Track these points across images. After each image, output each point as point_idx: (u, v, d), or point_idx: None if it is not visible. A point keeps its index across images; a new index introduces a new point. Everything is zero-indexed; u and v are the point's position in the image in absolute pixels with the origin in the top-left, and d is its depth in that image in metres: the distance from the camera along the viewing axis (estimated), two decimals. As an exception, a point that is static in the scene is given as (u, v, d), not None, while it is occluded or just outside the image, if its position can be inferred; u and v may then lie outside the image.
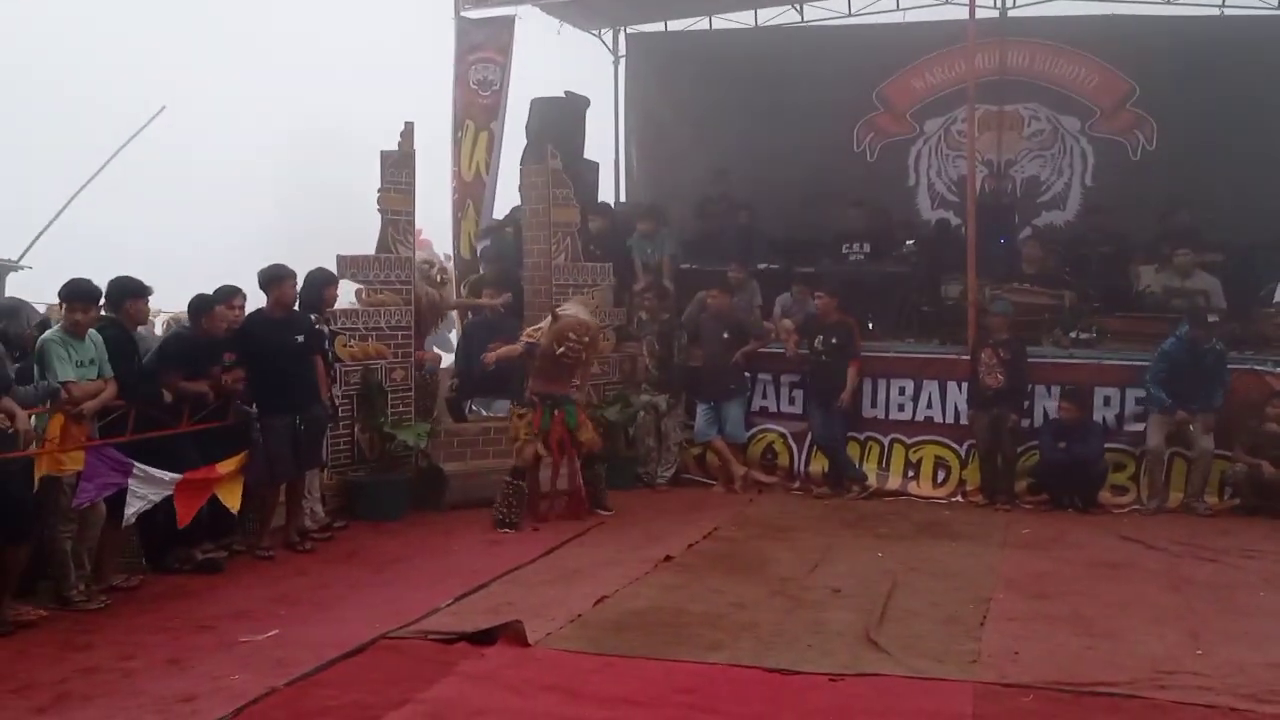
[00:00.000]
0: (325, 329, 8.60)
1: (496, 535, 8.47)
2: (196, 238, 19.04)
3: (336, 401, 8.78)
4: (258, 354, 7.76)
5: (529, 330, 9.10)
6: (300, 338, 8.07)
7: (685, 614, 6.40)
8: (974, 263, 10.04)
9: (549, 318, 8.93)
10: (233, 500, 7.51)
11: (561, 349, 8.74)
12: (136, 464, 6.78)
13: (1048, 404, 9.72)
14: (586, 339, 8.86)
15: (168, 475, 6.98)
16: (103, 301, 6.83)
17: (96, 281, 6.78)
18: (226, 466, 7.48)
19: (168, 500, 7.00)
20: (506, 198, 12.33)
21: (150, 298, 7.34)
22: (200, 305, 7.63)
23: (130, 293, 7.09)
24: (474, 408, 10.38)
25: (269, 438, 7.76)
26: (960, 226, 11.66)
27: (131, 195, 17.58)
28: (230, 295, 7.92)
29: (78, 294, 6.61)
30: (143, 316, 7.34)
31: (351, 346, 9.20)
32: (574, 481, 9.05)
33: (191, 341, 7.59)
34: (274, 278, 8.02)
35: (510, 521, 8.64)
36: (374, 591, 6.96)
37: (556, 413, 8.92)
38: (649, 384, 10.50)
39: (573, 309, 9.11)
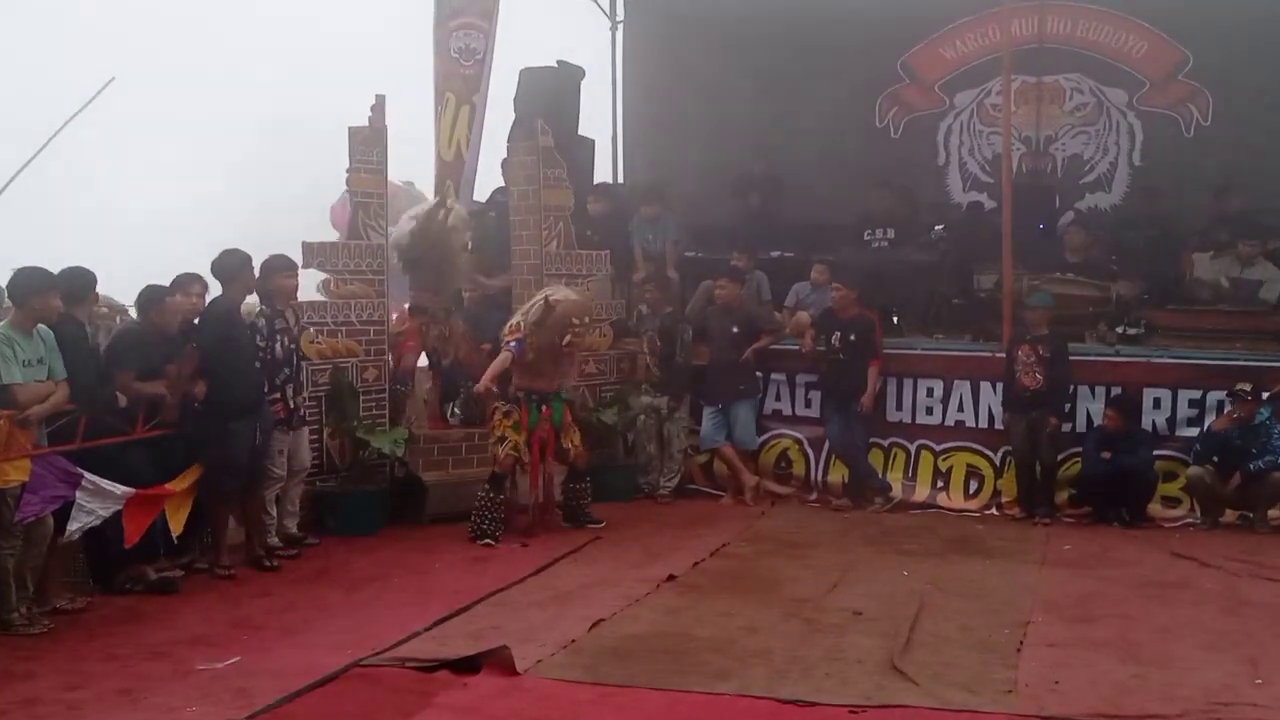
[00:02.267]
0: (290, 322, 8.56)
1: (481, 552, 8.49)
2: (150, 218, 19.10)
3: (303, 405, 8.75)
4: (230, 347, 7.74)
5: (509, 326, 9.10)
6: (257, 337, 8.08)
7: (690, 639, 6.41)
8: (1010, 250, 10.04)
9: (538, 305, 8.93)
10: (176, 521, 7.47)
11: (568, 339, 8.81)
12: (86, 475, 6.79)
13: (1091, 407, 9.73)
14: (588, 319, 8.95)
15: (119, 489, 6.98)
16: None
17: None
18: (180, 482, 7.48)
19: (116, 514, 7.00)
20: (489, 179, 12.34)
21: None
22: (150, 297, 7.61)
23: (91, 285, 7.09)
24: (456, 411, 10.39)
25: (231, 444, 7.72)
26: (995, 210, 11.63)
27: (81, 171, 17.65)
28: (187, 283, 7.89)
29: (33, 285, 6.61)
30: (94, 315, 7.34)
31: (319, 343, 9.20)
32: (548, 490, 9.08)
33: (143, 337, 7.57)
34: (243, 265, 8.00)
35: (488, 533, 8.67)
36: (346, 614, 6.97)
37: (544, 409, 8.96)
38: (650, 384, 10.50)
39: (562, 293, 9.15)
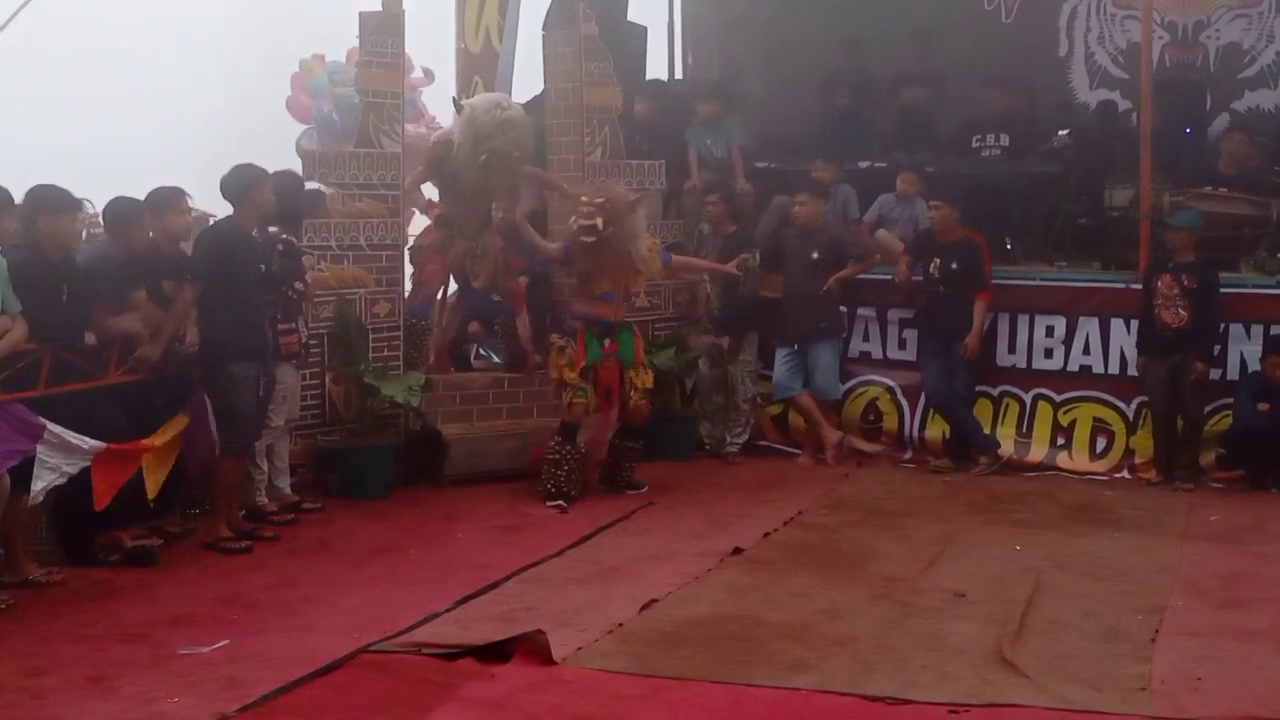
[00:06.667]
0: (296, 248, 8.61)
1: (510, 519, 8.54)
2: (125, 131, 19.27)
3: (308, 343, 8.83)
4: (231, 275, 7.77)
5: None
6: (263, 266, 8.12)
7: (760, 624, 6.43)
8: (1149, 160, 9.91)
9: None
10: (155, 479, 7.54)
11: (573, 221, 8.79)
12: (49, 425, 6.86)
13: (1246, 349, 9.61)
14: (599, 199, 8.81)
15: (88, 442, 7.04)
16: None
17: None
18: (160, 436, 7.54)
19: (85, 473, 7.07)
20: (530, 76, 12.22)
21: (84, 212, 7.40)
22: (121, 212, 7.65)
23: (48, 206, 7.09)
24: (482, 351, 10.41)
25: (235, 390, 7.81)
26: (1131, 112, 11.49)
27: (42, 80, 17.82)
28: (175, 199, 7.94)
29: None
30: (67, 238, 7.28)
31: (322, 271, 9.22)
32: (595, 443, 9.11)
33: (119, 263, 7.60)
34: (253, 182, 7.97)
35: (563, 493, 8.77)
36: (353, 592, 7.04)
37: (608, 343, 8.95)
38: (711, 321, 10.46)
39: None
